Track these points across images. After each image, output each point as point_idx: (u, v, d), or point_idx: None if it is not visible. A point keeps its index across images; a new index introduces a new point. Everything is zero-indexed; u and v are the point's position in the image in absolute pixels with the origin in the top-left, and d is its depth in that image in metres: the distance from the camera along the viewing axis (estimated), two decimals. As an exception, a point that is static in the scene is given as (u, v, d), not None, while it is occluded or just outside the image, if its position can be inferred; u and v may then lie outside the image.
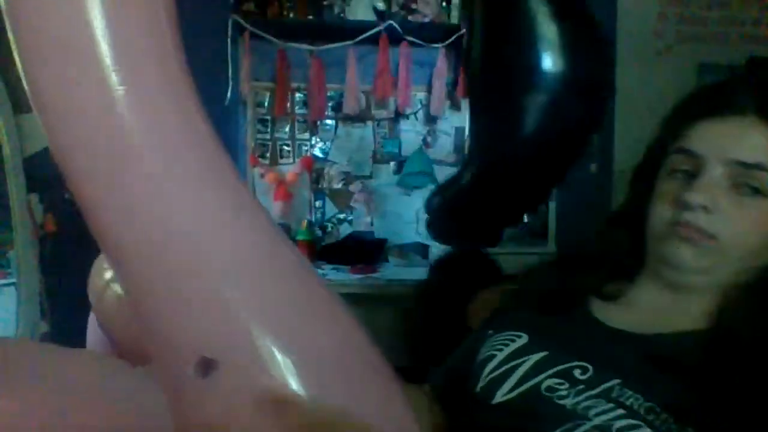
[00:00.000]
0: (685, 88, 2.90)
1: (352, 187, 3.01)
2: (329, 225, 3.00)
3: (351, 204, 3.02)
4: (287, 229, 2.92)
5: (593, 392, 0.61)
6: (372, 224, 3.01)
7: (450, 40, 2.81)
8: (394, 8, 2.81)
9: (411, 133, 3.02)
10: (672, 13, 2.87)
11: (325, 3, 2.76)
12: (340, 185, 3.01)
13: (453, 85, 2.93)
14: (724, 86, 0.70)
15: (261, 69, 2.84)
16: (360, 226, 3.01)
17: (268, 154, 2.96)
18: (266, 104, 2.94)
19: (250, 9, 2.71)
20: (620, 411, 0.57)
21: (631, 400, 0.58)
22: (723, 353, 0.59)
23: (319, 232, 2.95)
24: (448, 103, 2.97)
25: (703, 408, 0.55)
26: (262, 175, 2.92)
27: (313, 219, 2.97)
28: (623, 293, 0.73)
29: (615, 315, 0.71)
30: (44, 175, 2.73)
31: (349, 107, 2.85)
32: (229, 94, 2.76)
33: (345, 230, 3.01)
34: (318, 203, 3.00)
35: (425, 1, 2.82)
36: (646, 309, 0.70)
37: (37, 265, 2.55)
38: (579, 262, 0.78)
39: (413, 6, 2.81)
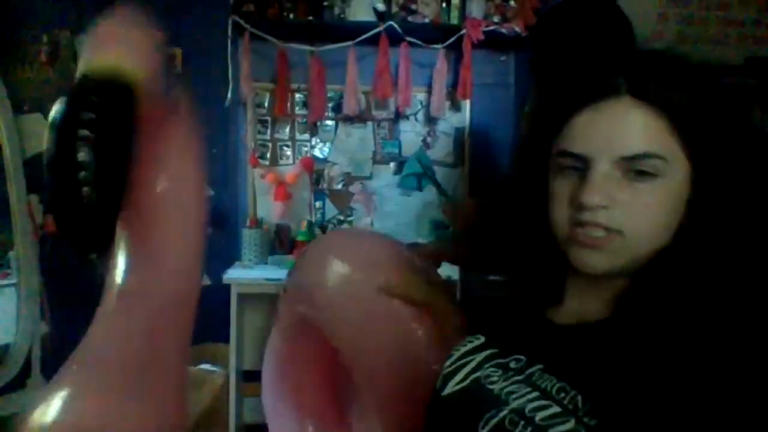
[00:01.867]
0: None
1: (352, 188, 3.02)
2: (329, 226, 3.00)
3: (351, 205, 3.02)
4: (287, 230, 2.92)
5: (519, 377, 0.66)
6: (372, 225, 3.01)
7: (450, 41, 2.81)
8: (394, 9, 2.81)
9: (411, 133, 3.02)
10: (672, 14, 2.87)
11: (325, 4, 2.76)
12: (340, 186, 3.02)
13: (453, 85, 2.94)
14: (593, 70, 0.67)
15: (261, 70, 2.85)
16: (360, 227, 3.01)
17: (268, 155, 2.97)
18: (266, 105, 2.94)
19: (250, 10, 2.71)
20: (535, 393, 0.62)
21: (546, 382, 0.62)
22: (620, 341, 0.61)
23: (319, 233, 2.95)
24: (448, 103, 2.98)
25: (606, 385, 0.58)
26: (262, 176, 2.93)
27: (313, 220, 2.98)
28: (567, 290, 0.74)
29: (562, 311, 0.73)
30: (44, 175, 2.73)
31: (349, 108, 2.85)
32: (229, 94, 2.76)
33: (345, 231, 3.01)
34: (318, 204, 3.00)
35: (425, 1, 2.82)
36: (577, 302, 0.72)
37: (37, 265, 2.55)
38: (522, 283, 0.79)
39: (413, 7, 2.82)
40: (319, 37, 2.82)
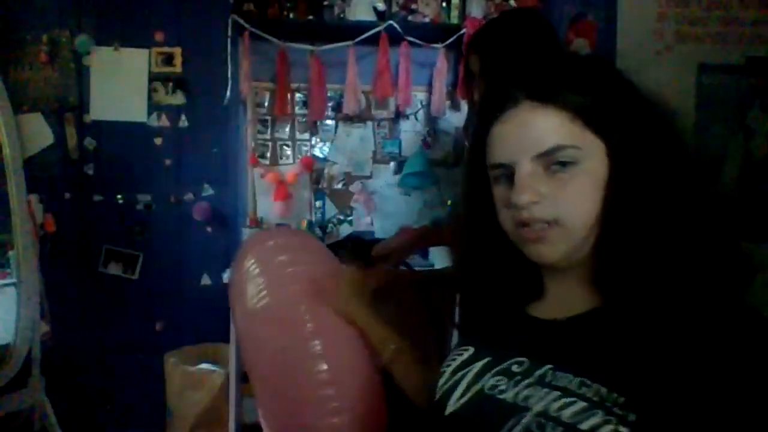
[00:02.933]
0: (684, 88, 2.93)
1: (352, 188, 3.01)
2: (329, 225, 3.00)
3: (351, 204, 3.02)
4: (280, 227, 2.92)
5: (530, 380, 0.66)
6: (372, 224, 3.01)
7: (450, 40, 2.81)
8: (394, 8, 2.81)
9: (411, 133, 3.02)
10: (672, 14, 2.87)
11: (325, 3, 2.76)
12: (340, 185, 3.02)
13: (453, 85, 2.94)
14: (498, 86, 0.75)
15: (261, 69, 2.85)
16: (360, 227, 3.01)
17: (268, 154, 2.96)
18: (266, 104, 2.94)
19: (250, 9, 2.71)
20: (556, 393, 0.63)
21: (564, 380, 0.63)
22: (620, 327, 0.64)
23: (319, 232, 2.95)
24: (448, 103, 2.98)
25: (625, 373, 0.60)
26: (262, 175, 2.93)
27: (313, 219, 2.98)
28: (546, 287, 0.78)
29: (544, 307, 0.77)
30: (44, 175, 2.73)
31: (349, 107, 2.85)
32: (228, 93, 2.76)
33: (345, 230, 3.01)
34: (318, 203, 3.00)
35: (425, 1, 2.82)
36: (558, 297, 0.75)
37: (37, 265, 2.55)
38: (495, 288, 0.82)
39: (413, 6, 2.82)
40: (319, 36, 2.82)
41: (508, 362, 0.70)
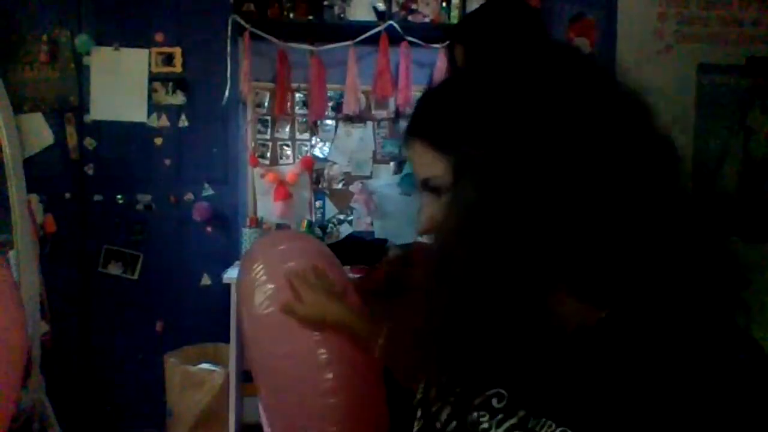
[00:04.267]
0: (684, 88, 2.92)
1: (352, 188, 3.01)
2: (329, 225, 3.00)
3: (351, 204, 3.02)
4: (287, 230, 2.92)
5: (512, 421, 0.62)
6: (372, 224, 3.01)
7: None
8: (394, 8, 2.81)
9: (411, 133, 3.02)
10: (672, 13, 2.87)
11: (325, 3, 2.76)
12: (340, 185, 3.01)
13: (453, 85, 2.93)
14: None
15: (261, 69, 2.84)
16: (360, 227, 3.01)
17: (268, 154, 2.96)
18: (266, 104, 2.94)
19: (250, 9, 2.71)
20: None
21: (544, 428, 0.59)
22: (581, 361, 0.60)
23: (319, 232, 2.95)
24: (448, 103, 2.97)
25: (607, 420, 0.56)
26: (262, 175, 2.92)
27: (313, 219, 2.97)
28: None
29: None
30: (44, 175, 2.73)
31: (349, 107, 2.85)
32: (227, 93, 2.76)
33: (345, 230, 3.01)
34: (318, 203, 3.00)
35: (425, 1, 2.82)
36: None
37: (37, 265, 2.55)
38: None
39: (413, 6, 2.82)
40: (319, 36, 2.82)
41: (487, 393, 0.65)
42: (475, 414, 0.65)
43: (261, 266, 1.10)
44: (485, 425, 0.63)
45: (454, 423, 0.66)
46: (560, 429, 0.58)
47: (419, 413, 0.72)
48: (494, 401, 0.64)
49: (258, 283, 1.08)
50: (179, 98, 2.81)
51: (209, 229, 2.84)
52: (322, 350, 1.00)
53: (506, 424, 0.62)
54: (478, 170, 0.60)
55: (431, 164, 0.67)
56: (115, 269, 2.81)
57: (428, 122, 0.69)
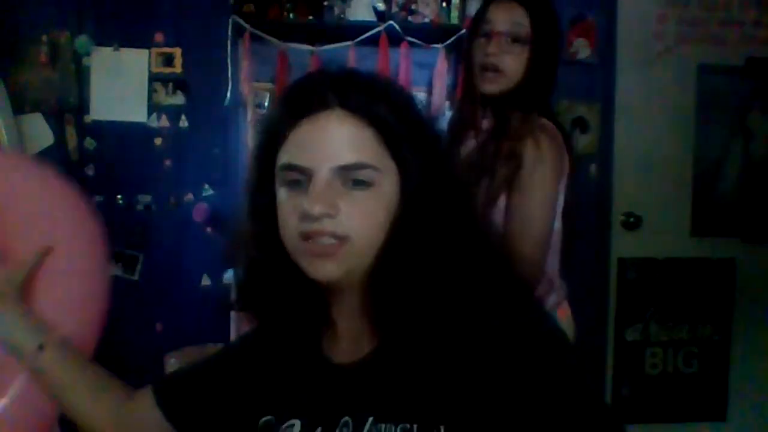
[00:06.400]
0: (685, 89, 2.93)
1: (352, 188, 3.01)
2: (329, 226, 3.00)
3: (351, 205, 3.01)
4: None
5: None
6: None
7: (450, 41, 2.81)
8: (394, 9, 2.81)
9: (411, 133, 3.01)
10: (672, 14, 2.87)
11: (325, 4, 2.75)
12: (340, 186, 3.01)
13: (453, 85, 2.93)
14: (307, 85, 0.72)
15: (261, 70, 2.84)
16: (360, 227, 3.01)
17: (268, 155, 2.96)
18: (266, 105, 2.94)
19: (251, 10, 2.71)
20: None
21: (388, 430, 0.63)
22: (406, 361, 0.65)
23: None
24: (448, 103, 2.97)
25: (436, 403, 0.62)
26: (262, 176, 2.92)
27: (313, 220, 2.97)
28: (334, 321, 0.75)
29: (339, 346, 0.74)
30: (44, 175, 2.73)
31: (349, 108, 2.85)
32: (228, 95, 2.76)
33: (345, 231, 3.00)
34: (318, 204, 3.00)
35: (425, 1, 2.82)
36: (345, 330, 0.74)
37: (37, 266, 2.54)
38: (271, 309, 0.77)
39: (413, 6, 2.81)
40: (319, 37, 2.82)
41: (338, 428, 0.67)
42: None
43: None
44: None
45: None
46: (401, 426, 0.62)
47: None
48: (345, 430, 0.67)
49: None
50: (179, 99, 2.80)
51: (209, 230, 2.84)
52: None
53: None
54: (422, 187, 0.68)
55: (371, 154, 0.68)
56: (115, 270, 2.81)
57: (386, 114, 0.68)
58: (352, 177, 0.66)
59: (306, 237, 0.66)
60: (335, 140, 0.66)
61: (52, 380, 0.89)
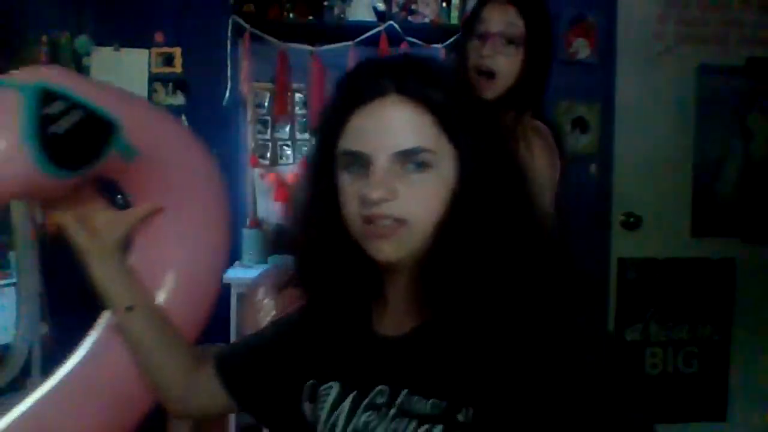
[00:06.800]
0: (684, 89, 2.93)
1: (352, 188, 3.01)
2: (329, 226, 3.00)
3: (351, 205, 3.02)
4: (288, 230, 2.91)
5: (394, 411, 0.68)
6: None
7: (450, 41, 2.81)
8: (394, 9, 2.81)
9: (411, 133, 3.02)
10: (672, 14, 2.87)
11: (325, 4, 2.76)
12: (340, 186, 3.01)
13: (453, 85, 2.93)
14: (364, 73, 0.73)
15: (261, 70, 2.84)
16: (360, 227, 3.01)
17: (268, 155, 2.96)
18: (266, 105, 2.94)
19: (250, 10, 2.71)
20: (414, 423, 0.65)
21: (419, 405, 0.66)
22: (454, 337, 0.66)
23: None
24: (448, 103, 2.97)
25: (470, 385, 0.63)
26: (262, 176, 2.92)
27: (313, 220, 2.97)
28: (387, 298, 0.77)
29: (387, 321, 0.77)
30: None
31: (349, 108, 2.85)
32: (227, 94, 2.76)
33: (345, 231, 3.01)
34: (318, 204, 3.00)
35: (425, 1, 2.82)
36: (396, 306, 0.76)
37: (37, 265, 2.55)
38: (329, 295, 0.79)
39: (413, 7, 2.82)
40: (319, 37, 2.82)
41: (372, 394, 0.71)
42: (365, 415, 0.71)
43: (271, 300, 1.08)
44: (374, 423, 0.70)
45: (350, 430, 0.72)
46: (431, 401, 0.65)
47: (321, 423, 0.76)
48: (378, 398, 0.71)
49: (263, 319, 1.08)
50: (179, 99, 2.81)
51: (209, 229, 2.83)
52: None
53: (390, 415, 0.68)
54: (480, 168, 0.70)
55: (428, 138, 0.69)
56: (114, 269, 2.81)
57: (441, 98, 0.69)
58: (410, 161, 0.68)
59: (368, 220, 0.68)
60: (393, 126, 0.68)
61: (130, 337, 0.96)
